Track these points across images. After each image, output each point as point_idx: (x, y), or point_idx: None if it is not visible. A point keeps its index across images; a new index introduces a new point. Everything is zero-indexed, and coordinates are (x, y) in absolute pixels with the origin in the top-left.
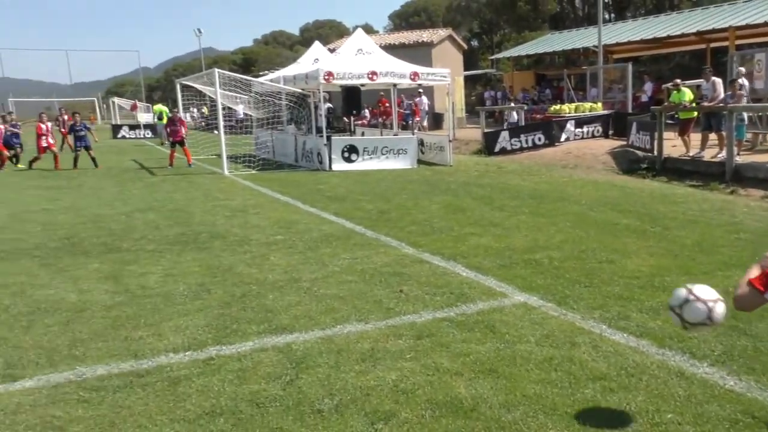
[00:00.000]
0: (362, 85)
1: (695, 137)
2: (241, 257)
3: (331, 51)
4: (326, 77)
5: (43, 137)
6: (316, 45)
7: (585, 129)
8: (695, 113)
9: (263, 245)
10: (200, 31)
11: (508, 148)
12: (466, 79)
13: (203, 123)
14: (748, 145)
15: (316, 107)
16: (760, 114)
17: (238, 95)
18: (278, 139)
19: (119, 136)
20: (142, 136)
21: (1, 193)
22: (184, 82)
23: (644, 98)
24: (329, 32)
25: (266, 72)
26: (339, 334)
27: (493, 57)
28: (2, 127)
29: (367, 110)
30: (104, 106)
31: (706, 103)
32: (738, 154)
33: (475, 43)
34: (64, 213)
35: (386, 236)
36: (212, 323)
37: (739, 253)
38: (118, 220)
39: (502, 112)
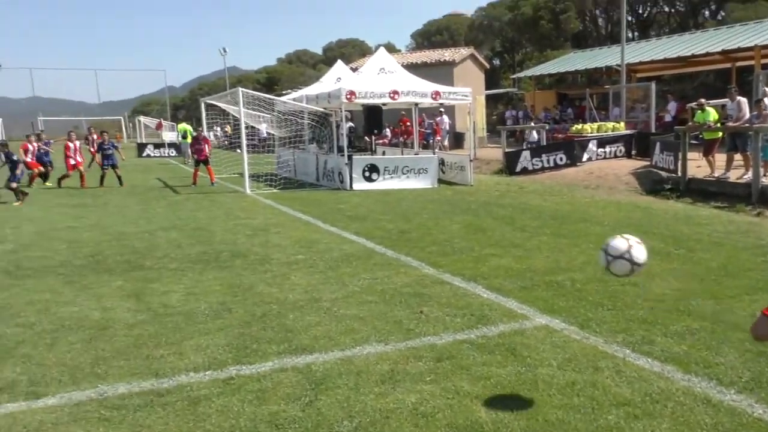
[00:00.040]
0: (384, 104)
1: (720, 158)
2: (262, 276)
3: (354, 70)
4: (348, 96)
5: (72, 155)
6: (339, 64)
7: (607, 149)
8: (720, 133)
9: (284, 264)
10: (225, 51)
11: (530, 167)
12: (488, 98)
13: (226, 142)
14: None
15: (338, 126)
16: None
17: (261, 114)
18: (300, 158)
19: (144, 154)
20: (166, 155)
21: (29, 211)
22: (208, 101)
23: (668, 118)
24: (352, 51)
25: (289, 91)
26: (359, 355)
27: (514, 76)
28: (36, 144)
29: (388, 129)
30: (130, 124)
31: (731, 123)
32: (764, 176)
33: (496, 62)
34: (90, 231)
35: (407, 256)
36: (232, 342)
37: (766, 276)
38: (142, 238)
39: (523, 131)
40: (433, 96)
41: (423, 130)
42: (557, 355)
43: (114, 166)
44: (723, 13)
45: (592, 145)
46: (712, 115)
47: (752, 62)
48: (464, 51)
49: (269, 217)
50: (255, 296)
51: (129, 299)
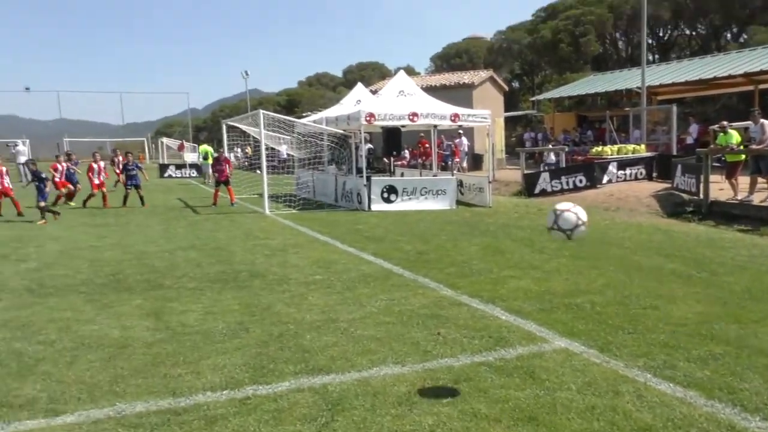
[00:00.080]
0: (403, 126)
1: (743, 180)
2: (280, 296)
3: (373, 92)
4: (368, 118)
5: (96, 175)
6: (359, 86)
7: (628, 171)
8: (743, 156)
9: (302, 285)
10: (247, 74)
11: (549, 189)
12: (507, 120)
13: (246, 163)
14: None
15: (357, 148)
16: None
17: (282, 136)
18: (319, 179)
19: (166, 175)
20: (187, 176)
21: (52, 230)
22: (229, 123)
23: (689, 140)
24: (372, 74)
25: (309, 113)
26: (375, 377)
27: (534, 98)
28: (65, 164)
29: (406, 151)
30: (153, 145)
31: (754, 146)
32: None
33: (516, 84)
34: (111, 250)
35: (424, 277)
36: (250, 362)
37: None
38: (162, 257)
39: (542, 153)
40: (452, 118)
41: (442, 151)
42: (577, 379)
43: (137, 187)
44: (745, 36)
45: (612, 167)
46: (735, 137)
47: None
48: (483, 73)
49: (288, 238)
50: (272, 316)
51: (148, 318)
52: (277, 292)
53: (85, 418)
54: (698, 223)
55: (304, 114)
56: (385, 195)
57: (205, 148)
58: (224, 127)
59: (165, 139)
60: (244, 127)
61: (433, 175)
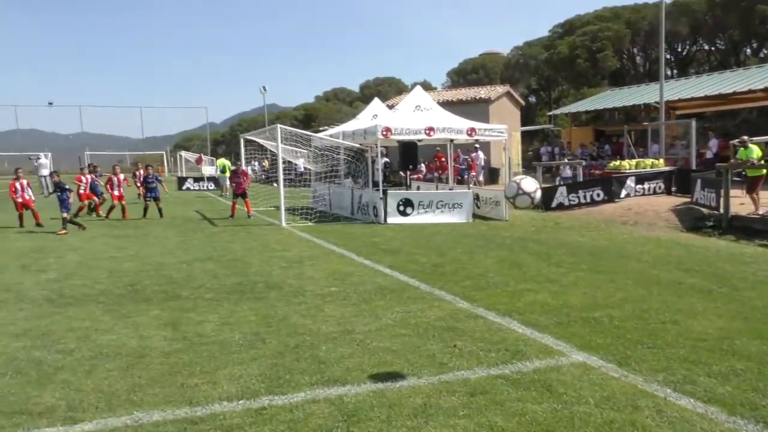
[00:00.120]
0: (419, 140)
1: (764, 195)
2: (296, 308)
3: (390, 107)
4: (384, 133)
5: (116, 188)
6: (376, 101)
7: (646, 185)
8: (764, 170)
9: (318, 296)
10: (265, 89)
11: (566, 203)
12: (523, 134)
13: (264, 176)
14: None
15: (373, 161)
16: None
17: (299, 149)
18: (335, 193)
19: (184, 187)
20: (205, 188)
21: (72, 241)
22: (247, 137)
23: (709, 155)
24: (388, 89)
25: (326, 127)
26: (391, 388)
27: (551, 113)
28: (89, 176)
29: (423, 164)
30: (171, 159)
31: None
32: None
33: (532, 99)
34: (130, 261)
35: (440, 290)
36: (266, 373)
37: None
38: (179, 268)
39: (558, 167)
40: (469, 132)
41: (458, 165)
42: (595, 393)
43: (156, 199)
44: (765, 51)
45: (630, 182)
46: (756, 152)
47: None
48: (500, 88)
49: (304, 250)
50: (288, 327)
51: (165, 328)
52: (293, 303)
53: (103, 426)
54: (718, 237)
55: (321, 128)
56: (401, 208)
57: (223, 161)
58: (242, 141)
59: (184, 153)
60: (261, 141)
61: (449, 189)
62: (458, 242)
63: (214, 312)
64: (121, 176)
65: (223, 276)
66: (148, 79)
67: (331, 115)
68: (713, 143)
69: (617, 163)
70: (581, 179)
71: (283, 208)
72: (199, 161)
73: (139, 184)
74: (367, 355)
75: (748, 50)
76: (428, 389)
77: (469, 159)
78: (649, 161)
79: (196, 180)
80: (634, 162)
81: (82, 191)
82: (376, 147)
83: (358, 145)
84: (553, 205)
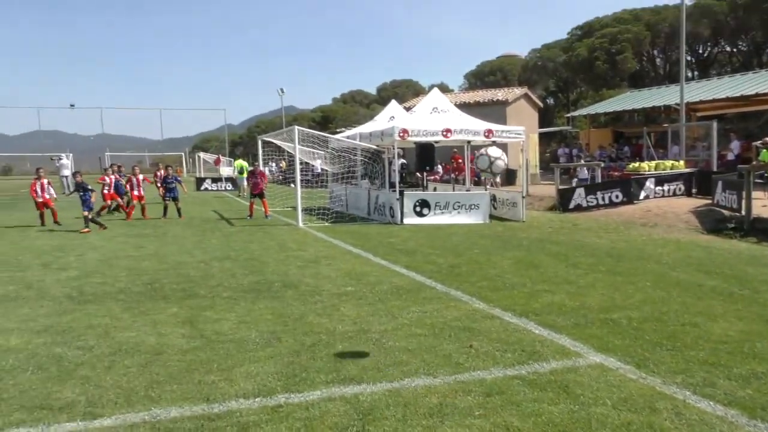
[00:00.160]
0: (436, 142)
1: None
2: (312, 307)
3: (407, 109)
4: (401, 134)
5: (136, 188)
6: (393, 104)
7: (666, 187)
8: None
9: (334, 296)
10: (283, 91)
11: (584, 205)
12: (541, 136)
13: (281, 177)
14: None
15: (390, 163)
16: None
17: (316, 151)
18: (352, 193)
19: (202, 188)
20: (223, 189)
21: (93, 240)
22: (265, 139)
23: (730, 156)
24: (405, 91)
25: (343, 129)
26: (407, 387)
27: (569, 115)
28: (113, 177)
29: (439, 166)
30: (190, 160)
31: None
32: None
33: (550, 101)
34: (148, 260)
35: (457, 290)
36: (282, 371)
37: None
38: (197, 267)
39: (575, 168)
40: (486, 134)
41: (474, 167)
42: (612, 395)
43: (175, 199)
44: None
45: (649, 183)
46: None
47: None
48: (518, 90)
49: (320, 250)
50: (305, 326)
51: (183, 326)
52: (309, 302)
53: (122, 421)
54: (740, 239)
55: (338, 130)
56: (418, 209)
57: (241, 162)
58: (260, 143)
59: (202, 154)
60: (279, 143)
61: (466, 190)
62: (475, 243)
63: (231, 310)
64: (140, 177)
65: (240, 275)
66: (168, 81)
67: (349, 116)
68: (735, 145)
69: (636, 164)
70: (600, 181)
71: (300, 208)
72: (217, 162)
73: (159, 185)
74: (383, 355)
75: None
76: (444, 389)
77: None
78: (669, 163)
79: (215, 180)
80: (653, 164)
81: (106, 191)
82: (393, 148)
83: (375, 147)
84: (571, 206)
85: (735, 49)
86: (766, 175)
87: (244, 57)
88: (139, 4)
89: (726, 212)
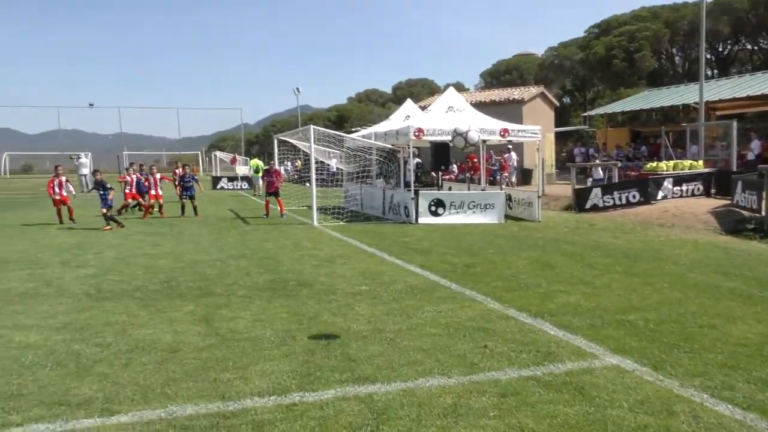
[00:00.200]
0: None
1: None
2: (327, 306)
3: (422, 108)
4: (416, 133)
5: (153, 187)
6: (408, 103)
7: (684, 187)
8: None
9: (348, 295)
10: (299, 90)
11: (600, 205)
12: (558, 135)
13: (296, 176)
14: None
15: (405, 162)
16: None
17: (331, 150)
18: (367, 193)
19: (218, 187)
20: (239, 188)
21: (111, 238)
22: (281, 138)
23: (750, 156)
24: (421, 90)
25: (358, 128)
26: (421, 387)
27: (586, 114)
28: (134, 176)
29: (454, 165)
30: (206, 159)
31: None
32: None
33: (567, 100)
34: (165, 258)
35: (471, 290)
36: (297, 369)
37: None
38: (213, 265)
39: (591, 168)
40: (502, 133)
41: (490, 166)
42: (629, 397)
43: (192, 198)
44: None
45: (667, 183)
46: None
47: None
48: (534, 89)
49: (335, 249)
50: (319, 325)
51: (199, 324)
52: (324, 301)
53: (139, 418)
54: (759, 240)
55: (353, 129)
56: (433, 208)
57: (256, 162)
58: (275, 142)
59: (218, 153)
60: (294, 142)
61: (482, 189)
62: (490, 243)
63: (247, 309)
64: (158, 176)
65: (255, 273)
66: (186, 80)
67: (364, 116)
68: (755, 144)
69: (654, 164)
70: (616, 181)
71: (315, 207)
72: (233, 161)
73: (177, 184)
74: (397, 354)
75: None
76: (458, 389)
77: (502, 160)
78: (687, 163)
79: (231, 179)
80: (671, 163)
81: (127, 190)
82: (408, 148)
83: (390, 146)
84: (587, 206)
85: (756, 47)
86: None
87: (260, 56)
88: (159, 4)
89: (745, 213)
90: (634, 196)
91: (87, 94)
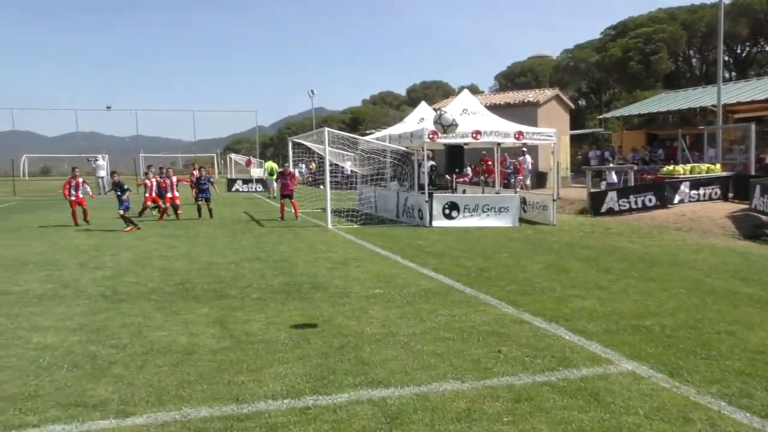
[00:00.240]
0: (466, 143)
1: None
2: (341, 309)
3: (437, 111)
4: (431, 136)
5: (170, 189)
6: (423, 105)
7: (701, 191)
8: None
9: (362, 298)
10: (313, 92)
11: (616, 208)
12: (573, 138)
13: (310, 178)
14: None
15: (419, 165)
16: None
17: (345, 152)
18: (381, 195)
19: (233, 189)
20: (253, 190)
21: (127, 240)
22: (295, 140)
23: None
24: (435, 93)
25: (373, 131)
26: (435, 392)
27: (601, 116)
28: (154, 180)
29: (469, 168)
30: (222, 161)
31: None
32: None
33: (582, 102)
34: (180, 260)
35: (485, 294)
36: (310, 372)
37: None
38: (228, 268)
39: (605, 172)
40: (516, 136)
41: (504, 169)
42: (644, 404)
43: (207, 200)
44: None
45: (684, 187)
46: None
47: None
48: (549, 92)
49: (349, 252)
50: (333, 328)
51: (214, 326)
52: (338, 304)
53: (153, 420)
54: None
55: (367, 131)
56: (447, 211)
57: (270, 164)
58: (290, 144)
59: (233, 155)
60: (309, 144)
61: (496, 193)
62: (504, 246)
63: (261, 311)
64: (174, 179)
65: (270, 276)
66: (202, 83)
67: (378, 118)
68: None
69: (671, 167)
70: (632, 184)
71: (329, 210)
72: (248, 164)
73: (193, 186)
74: (411, 358)
75: None
76: (472, 394)
77: (516, 163)
78: (704, 166)
79: (245, 182)
80: (688, 167)
81: (147, 194)
82: (423, 150)
83: (404, 149)
84: (603, 209)
85: None
86: None
87: (275, 59)
88: (174, 8)
89: (764, 217)
90: (650, 200)
91: (104, 97)
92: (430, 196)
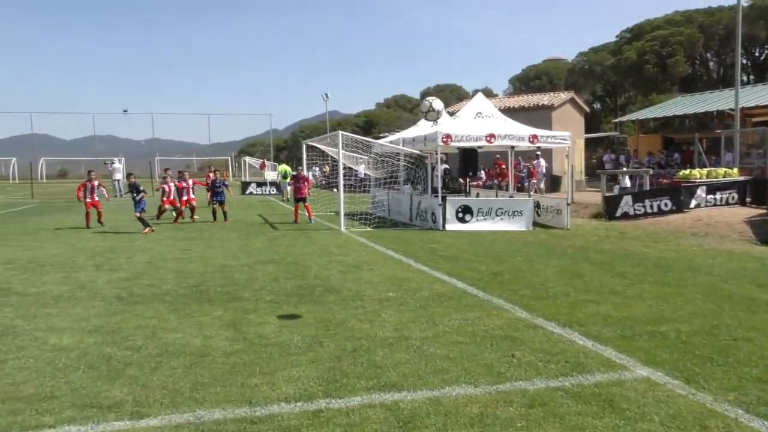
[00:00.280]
0: (480, 147)
1: None
2: (354, 312)
3: (451, 114)
4: (444, 139)
5: (185, 193)
6: None
7: (718, 195)
8: None
9: (375, 301)
10: (327, 96)
11: (631, 213)
12: (588, 141)
13: (324, 181)
14: None
15: (433, 168)
16: None
17: (359, 156)
18: (394, 199)
19: (247, 192)
20: (267, 193)
21: (142, 242)
22: (309, 143)
23: None
24: (449, 96)
25: (386, 134)
26: (447, 396)
27: (617, 120)
28: (172, 184)
29: (482, 171)
30: (236, 164)
31: None
32: None
33: (597, 105)
34: (194, 262)
35: (499, 298)
36: (323, 375)
37: None
38: (241, 270)
39: (619, 176)
40: (531, 139)
41: (518, 173)
42: (660, 410)
43: (221, 203)
44: None
45: (701, 191)
46: None
47: None
48: (563, 95)
49: (362, 255)
50: (346, 331)
51: (227, 328)
52: (351, 307)
53: (167, 422)
54: None
55: (381, 135)
56: (460, 215)
57: (284, 167)
58: (304, 147)
59: (247, 158)
60: (323, 147)
61: (510, 196)
62: (518, 250)
63: (274, 314)
64: (190, 182)
65: (283, 279)
66: (217, 87)
67: (392, 121)
68: None
69: (687, 171)
70: (648, 188)
71: (342, 213)
72: (262, 167)
73: (208, 188)
74: (424, 362)
75: None
76: (485, 399)
77: (530, 166)
78: (721, 170)
79: (259, 185)
80: (705, 171)
81: (164, 198)
82: (436, 154)
83: (417, 152)
84: (618, 214)
85: None
86: None
87: (290, 62)
88: (192, 13)
89: None
90: (666, 204)
91: (121, 101)
92: (444, 199)
